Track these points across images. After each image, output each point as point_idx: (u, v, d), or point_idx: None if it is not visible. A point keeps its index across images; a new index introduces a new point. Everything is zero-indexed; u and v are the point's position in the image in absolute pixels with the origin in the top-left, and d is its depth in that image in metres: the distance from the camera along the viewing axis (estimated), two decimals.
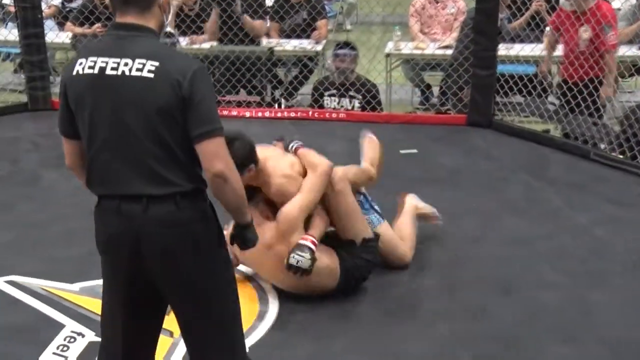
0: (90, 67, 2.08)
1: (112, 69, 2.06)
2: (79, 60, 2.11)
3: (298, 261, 3.09)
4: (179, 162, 2.09)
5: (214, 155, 2.06)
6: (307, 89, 6.26)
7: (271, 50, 6.05)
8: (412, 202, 3.85)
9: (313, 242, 3.14)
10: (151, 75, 2.04)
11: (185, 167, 2.10)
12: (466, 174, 4.79)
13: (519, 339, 3.07)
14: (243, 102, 6.05)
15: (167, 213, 2.08)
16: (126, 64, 2.05)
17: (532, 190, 4.53)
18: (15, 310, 3.23)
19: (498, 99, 5.61)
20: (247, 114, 5.87)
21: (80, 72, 2.09)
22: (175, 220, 2.09)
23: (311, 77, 6.28)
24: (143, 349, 2.27)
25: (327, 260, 3.23)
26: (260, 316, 3.18)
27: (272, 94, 6.18)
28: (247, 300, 3.18)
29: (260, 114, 5.87)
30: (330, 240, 3.32)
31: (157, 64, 2.04)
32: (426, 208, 3.87)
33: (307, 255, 3.09)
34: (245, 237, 2.25)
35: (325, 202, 3.30)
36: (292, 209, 3.16)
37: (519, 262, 3.68)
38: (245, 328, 3.04)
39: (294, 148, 3.37)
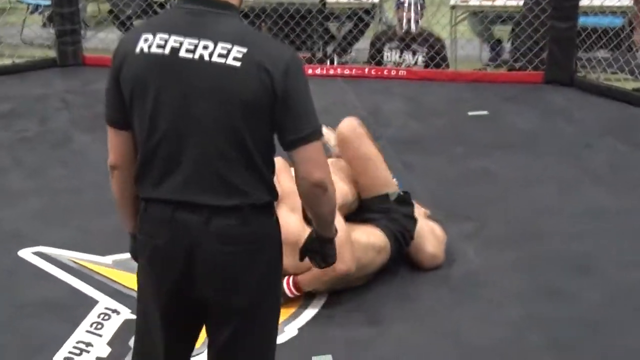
0: (159, 46, 1.92)
1: (188, 51, 1.92)
2: (144, 36, 1.94)
3: None
4: (256, 168, 1.96)
5: (314, 163, 1.95)
6: (362, 44, 6.23)
7: (323, 2, 6.02)
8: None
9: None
10: (237, 63, 1.89)
11: (261, 175, 1.97)
12: (543, 138, 4.73)
13: (600, 323, 3.04)
14: None
15: (232, 228, 1.95)
16: (205, 47, 1.91)
17: (618, 157, 4.46)
18: (44, 284, 3.33)
19: (580, 53, 5.51)
20: None
21: (146, 50, 1.93)
22: (240, 237, 1.96)
23: (367, 32, 6.25)
24: None
25: (366, 238, 3.18)
26: (308, 297, 3.21)
27: (324, 49, 6.17)
28: None
29: (310, 72, 5.87)
30: (360, 212, 3.29)
31: (244, 50, 1.90)
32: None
33: None
34: (327, 252, 2.13)
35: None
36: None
37: (599, 237, 3.63)
38: (296, 306, 3.12)
39: None
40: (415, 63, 5.79)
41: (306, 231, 2.22)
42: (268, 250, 2.03)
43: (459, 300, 3.20)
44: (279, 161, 2.90)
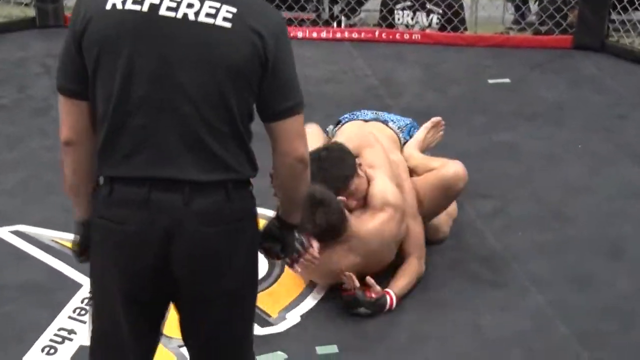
0: (135, 2, 1.87)
1: (169, 8, 1.86)
2: None
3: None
4: (242, 140, 1.94)
5: (300, 136, 1.95)
6: (372, 4, 6.19)
7: None
8: None
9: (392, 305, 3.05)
10: (227, 24, 1.86)
11: (247, 147, 1.96)
12: (571, 109, 4.71)
13: (633, 313, 3.03)
14: (295, 19, 6.00)
15: (216, 206, 1.92)
16: (190, 5, 1.86)
17: None
18: (24, 266, 3.32)
19: (614, 15, 5.46)
20: (300, 34, 5.83)
21: (119, 6, 1.87)
22: (224, 216, 1.93)
23: None
24: None
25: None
26: (311, 282, 3.20)
27: (330, 10, 6.12)
28: None
29: (315, 35, 5.83)
30: None
31: (234, 10, 1.87)
32: None
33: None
34: (289, 241, 2.14)
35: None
36: (387, 185, 3.11)
37: (634, 219, 3.62)
38: (297, 292, 3.11)
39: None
40: (430, 25, 5.74)
41: None
42: (251, 228, 2.02)
43: (478, 287, 3.19)
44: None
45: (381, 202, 3.06)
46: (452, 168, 3.26)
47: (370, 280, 3.01)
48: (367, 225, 3.04)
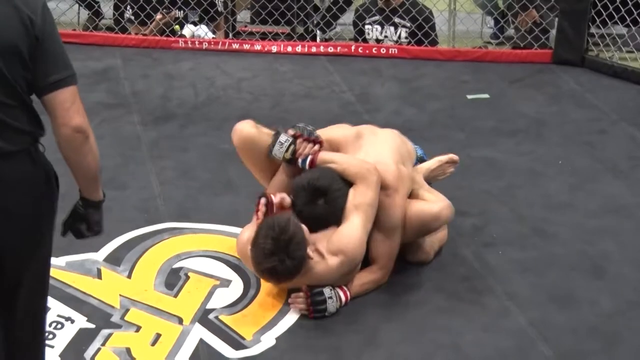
0: None
1: None
2: None
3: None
4: (30, 109, 2.13)
5: (74, 107, 2.12)
6: (347, 17, 6.20)
7: None
8: None
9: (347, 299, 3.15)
10: None
11: (35, 115, 2.15)
12: (552, 125, 4.74)
13: (616, 333, 3.03)
14: (269, 33, 6.01)
15: (23, 171, 2.13)
16: None
17: (635, 145, 4.47)
18: None
19: (593, 29, 5.50)
20: (274, 49, 5.84)
21: None
22: (32, 180, 2.14)
23: (354, 2, 6.22)
24: None
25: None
26: (288, 302, 3.18)
27: (305, 23, 6.13)
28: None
29: (290, 49, 5.84)
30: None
31: None
32: None
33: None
34: (93, 218, 2.29)
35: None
36: (355, 236, 3.12)
37: (616, 236, 3.63)
38: (272, 313, 3.10)
39: (307, 163, 3.22)
40: (399, 39, 5.76)
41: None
42: (53, 192, 2.21)
43: (458, 307, 3.18)
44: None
45: (337, 248, 3.08)
46: (436, 208, 3.28)
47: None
48: (316, 266, 3.08)
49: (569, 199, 3.95)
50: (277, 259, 2.94)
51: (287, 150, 3.20)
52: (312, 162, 3.21)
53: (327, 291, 3.09)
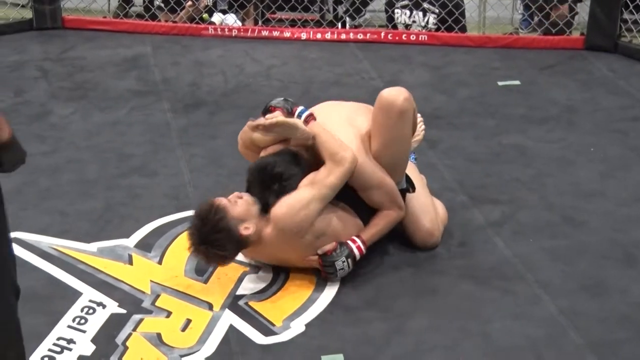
0: None
1: None
2: None
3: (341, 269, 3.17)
4: None
5: None
6: (376, 4, 6.20)
7: None
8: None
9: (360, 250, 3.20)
10: None
11: None
12: (583, 112, 4.71)
13: None
14: (298, 20, 6.02)
15: None
16: None
17: None
18: (22, 273, 3.29)
19: (626, 15, 5.46)
20: (304, 36, 5.85)
21: None
22: None
23: None
24: None
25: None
26: (317, 288, 3.21)
27: (335, 10, 6.14)
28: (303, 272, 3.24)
29: (319, 36, 5.85)
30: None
31: None
32: None
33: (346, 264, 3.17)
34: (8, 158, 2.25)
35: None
36: (290, 205, 3.12)
37: None
38: (302, 300, 3.12)
39: (304, 117, 3.24)
40: (427, 24, 5.75)
41: None
42: None
43: (487, 295, 3.19)
44: None
45: (270, 217, 3.11)
46: (385, 93, 3.25)
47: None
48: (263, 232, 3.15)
49: (600, 187, 3.93)
50: (203, 249, 3.07)
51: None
52: (306, 124, 3.22)
53: (335, 255, 3.15)
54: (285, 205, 3.09)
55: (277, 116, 3.19)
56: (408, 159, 3.37)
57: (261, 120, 3.22)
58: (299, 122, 3.21)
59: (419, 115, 3.57)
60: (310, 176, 3.17)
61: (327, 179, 3.14)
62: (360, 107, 3.49)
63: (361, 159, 3.21)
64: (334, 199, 3.19)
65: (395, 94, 3.24)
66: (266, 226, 3.12)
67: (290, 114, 3.24)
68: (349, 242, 3.18)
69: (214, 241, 3.05)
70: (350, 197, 3.24)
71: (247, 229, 3.09)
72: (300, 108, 3.26)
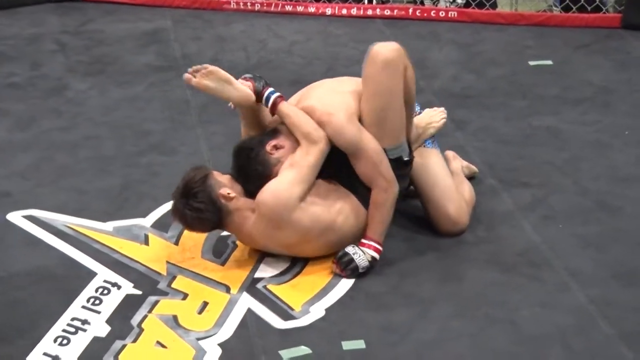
0: None
1: None
2: None
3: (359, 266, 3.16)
4: None
5: None
6: None
7: None
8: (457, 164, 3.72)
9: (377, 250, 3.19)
10: None
11: None
12: (619, 93, 4.67)
13: None
14: None
15: None
16: None
17: None
18: (36, 252, 3.34)
19: None
20: (329, 11, 5.82)
21: None
22: None
23: None
24: None
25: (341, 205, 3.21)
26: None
27: None
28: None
29: (345, 12, 5.82)
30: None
31: None
32: (469, 167, 3.78)
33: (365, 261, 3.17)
34: None
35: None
36: (273, 189, 3.12)
37: None
38: (322, 284, 3.12)
39: (271, 101, 3.22)
40: (454, 0, 5.71)
41: None
42: None
43: (514, 281, 3.17)
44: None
45: (255, 202, 3.12)
46: (373, 50, 3.23)
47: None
48: (246, 222, 3.17)
49: (637, 171, 3.89)
50: (180, 204, 3.11)
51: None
52: (274, 106, 3.21)
53: (349, 249, 3.15)
54: (268, 191, 3.10)
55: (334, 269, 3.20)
56: (400, 121, 3.25)
57: (198, 67, 3.25)
58: (233, 79, 3.22)
59: (438, 108, 3.60)
60: (289, 159, 3.16)
61: (304, 159, 3.14)
62: (350, 78, 3.47)
63: (345, 119, 3.17)
64: (334, 187, 3.21)
65: (383, 45, 3.23)
66: (253, 212, 3.13)
67: (259, 94, 3.24)
68: (361, 246, 3.18)
69: (192, 196, 3.08)
70: (347, 175, 3.22)
71: (228, 193, 3.12)
72: (270, 89, 3.25)
